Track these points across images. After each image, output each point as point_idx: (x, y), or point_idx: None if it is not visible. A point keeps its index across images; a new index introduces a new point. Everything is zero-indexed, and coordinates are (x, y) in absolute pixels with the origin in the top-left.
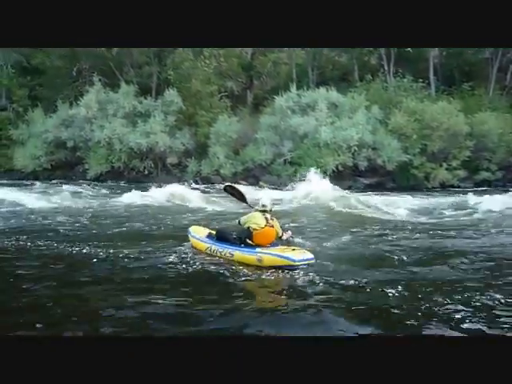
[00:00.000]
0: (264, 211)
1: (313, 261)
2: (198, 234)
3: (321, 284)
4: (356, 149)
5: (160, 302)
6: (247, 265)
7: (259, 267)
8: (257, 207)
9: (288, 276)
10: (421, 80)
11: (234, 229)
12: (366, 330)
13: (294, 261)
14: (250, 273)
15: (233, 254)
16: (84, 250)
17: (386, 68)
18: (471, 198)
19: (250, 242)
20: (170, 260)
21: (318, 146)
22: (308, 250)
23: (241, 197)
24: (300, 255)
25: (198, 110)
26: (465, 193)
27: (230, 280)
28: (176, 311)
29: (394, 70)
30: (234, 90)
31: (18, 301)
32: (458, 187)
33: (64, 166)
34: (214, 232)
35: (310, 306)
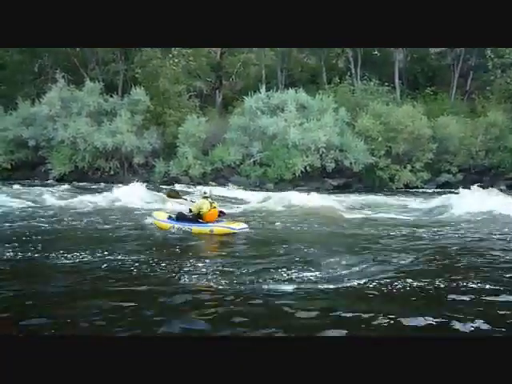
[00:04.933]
0: (206, 197)
1: (247, 229)
2: (161, 217)
3: None
4: (324, 150)
5: None
6: (202, 234)
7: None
8: (201, 195)
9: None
10: (386, 84)
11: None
12: None
13: (235, 229)
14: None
15: (191, 229)
16: None
17: (353, 71)
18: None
19: (201, 220)
20: None
21: (286, 147)
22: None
23: (180, 197)
24: (238, 226)
25: (165, 109)
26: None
27: None
28: None
29: (360, 74)
30: (202, 90)
31: None
32: (422, 188)
33: (25, 165)
34: (172, 215)
35: None
